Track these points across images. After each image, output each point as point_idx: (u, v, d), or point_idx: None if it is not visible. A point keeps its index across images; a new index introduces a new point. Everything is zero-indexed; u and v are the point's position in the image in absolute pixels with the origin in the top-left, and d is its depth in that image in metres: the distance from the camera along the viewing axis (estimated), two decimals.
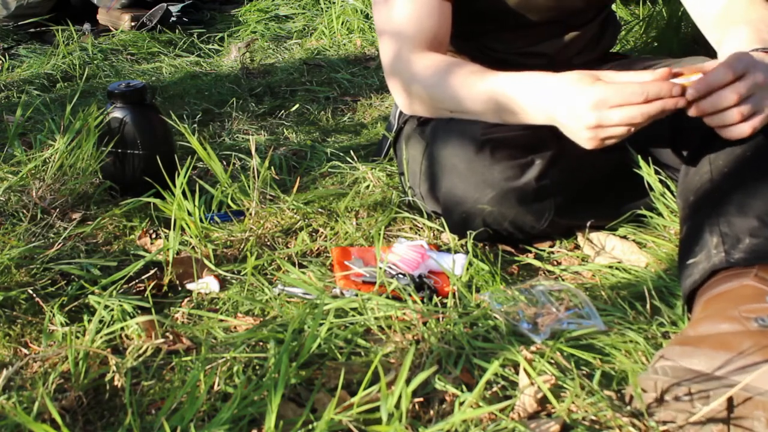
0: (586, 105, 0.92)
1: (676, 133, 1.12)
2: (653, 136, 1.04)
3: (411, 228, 1.22)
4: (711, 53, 1.14)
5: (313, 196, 1.32)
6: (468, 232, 1.09)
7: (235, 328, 0.96)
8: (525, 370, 0.82)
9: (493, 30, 1.27)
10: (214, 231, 1.20)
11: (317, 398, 0.80)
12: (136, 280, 1.06)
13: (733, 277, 0.86)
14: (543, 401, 0.80)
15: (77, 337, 0.93)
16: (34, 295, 1.01)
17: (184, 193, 1.15)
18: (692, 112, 0.91)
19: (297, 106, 1.95)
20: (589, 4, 1.26)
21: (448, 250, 1.12)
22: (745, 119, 0.90)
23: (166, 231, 1.20)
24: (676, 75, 0.93)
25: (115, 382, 0.85)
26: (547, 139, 1.06)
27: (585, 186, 1.13)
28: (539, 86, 1.00)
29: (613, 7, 1.39)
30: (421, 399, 0.81)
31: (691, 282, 0.89)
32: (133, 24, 2.81)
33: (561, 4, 1.22)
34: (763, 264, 0.85)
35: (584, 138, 0.95)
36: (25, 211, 1.23)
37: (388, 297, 0.97)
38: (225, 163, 1.48)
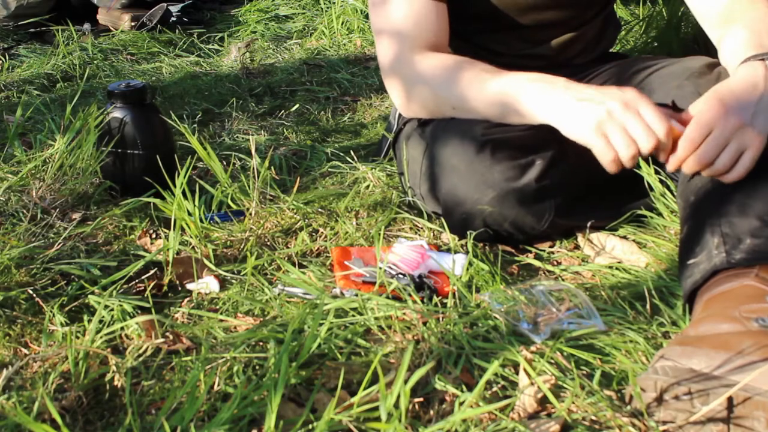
0: (618, 98, 0.93)
1: None
2: None
3: (411, 228, 1.22)
4: (711, 53, 1.14)
5: (313, 196, 1.32)
6: (468, 233, 1.09)
7: (235, 328, 0.96)
8: (525, 370, 0.82)
9: (489, 30, 1.27)
10: (214, 231, 1.20)
11: (317, 398, 0.80)
12: (136, 280, 1.05)
13: (733, 277, 0.86)
14: (543, 401, 0.80)
15: (77, 337, 0.93)
16: (34, 295, 1.01)
17: (184, 193, 1.15)
18: (686, 168, 0.93)
19: (297, 106, 1.95)
20: (584, 5, 1.26)
21: (448, 250, 1.12)
22: (735, 162, 0.91)
23: (166, 231, 1.20)
24: (675, 110, 0.95)
25: (115, 382, 0.85)
26: (547, 139, 1.06)
27: (585, 186, 1.13)
28: (553, 82, 1.01)
29: (614, 6, 1.39)
30: (421, 399, 0.81)
31: (691, 282, 0.89)
32: (133, 24, 2.81)
33: (551, 5, 1.22)
34: (764, 264, 0.85)
35: (588, 124, 0.95)
36: (25, 211, 1.23)
37: (388, 297, 0.97)
38: (225, 163, 1.48)
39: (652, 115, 0.91)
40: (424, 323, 0.92)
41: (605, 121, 0.93)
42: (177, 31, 2.77)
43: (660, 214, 1.17)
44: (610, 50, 1.43)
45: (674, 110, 0.97)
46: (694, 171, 0.93)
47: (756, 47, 0.99)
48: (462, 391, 0.81)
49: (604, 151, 0.94)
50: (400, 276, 1.02)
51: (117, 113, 1.32)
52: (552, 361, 0.86)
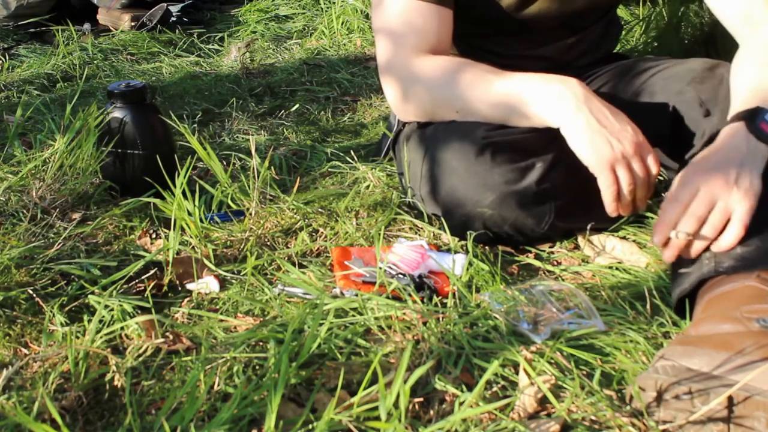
0: (631, 141, 0.99)
1: (675, 135, 1.12)
2: (653, 137, 1.04)
3: (411, 228, 1.22)
4: (711, 53, 1.14)
5: (313, 196, 1.32)
6: (468, 233, 1.09)
7: (235, 328, 0.96)
8: (525, 370, 0.82)
9: (493, 34, 1.27)
10: (214, 231, 1.20)
11: (317, 398, 0.80)
12: (136, 280, 1.05)
13: (735, 277, 0.86)
14: (543, 401, 0.80)
15: (77, 337, 0.93)
16: (34, 295, 1.01)
17: (184, 193, 1.15)
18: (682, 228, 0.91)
19: (297, 106, 1.95)
20: (591, 7, 1.26)
21: (448, 250, 1.12)
22: (726, 226, 0.88)
23: (166, 231, 1.20)
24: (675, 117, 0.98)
25: (115, 382, 0.85)
26: (547, 142, 1.06)
27: (585, 189, 1.13)
28: (566, 83, 1.03)
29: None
30: (421, 399, 0.81)
31: (679, 291, 0.90)
32: (133, 24, 2.81)
33: (562, 9, 1.21)
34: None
35: (603, 157, 0.99)
36: (25, 211, 1.23)
37: (388, 297, 0.97)
38: (225, 163, 1.48)
39: (651, 158, 1.01)
40: (424, 323, 0.92)
41: (619, 159, 0.99)
42: (177, 31, 2.77)
43: None
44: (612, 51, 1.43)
45: (674, 116, 0.98)
46: (693, 230, 0.88)
47: (755, 99, 0.95)
48: (462, 391, 0.81)
49: (608, 182, 0.99)
50: (400, 276, 1.02)
51: (117, 113, 1.32)
52: (552, 361, 0.86)
